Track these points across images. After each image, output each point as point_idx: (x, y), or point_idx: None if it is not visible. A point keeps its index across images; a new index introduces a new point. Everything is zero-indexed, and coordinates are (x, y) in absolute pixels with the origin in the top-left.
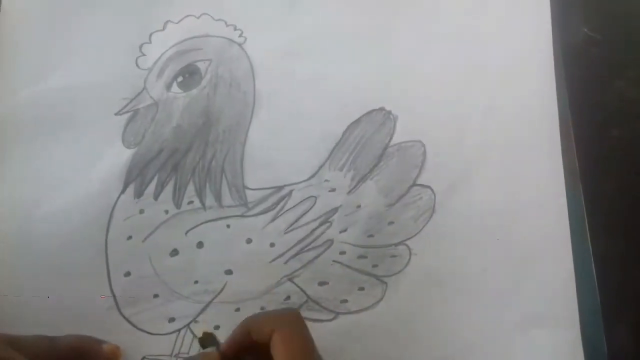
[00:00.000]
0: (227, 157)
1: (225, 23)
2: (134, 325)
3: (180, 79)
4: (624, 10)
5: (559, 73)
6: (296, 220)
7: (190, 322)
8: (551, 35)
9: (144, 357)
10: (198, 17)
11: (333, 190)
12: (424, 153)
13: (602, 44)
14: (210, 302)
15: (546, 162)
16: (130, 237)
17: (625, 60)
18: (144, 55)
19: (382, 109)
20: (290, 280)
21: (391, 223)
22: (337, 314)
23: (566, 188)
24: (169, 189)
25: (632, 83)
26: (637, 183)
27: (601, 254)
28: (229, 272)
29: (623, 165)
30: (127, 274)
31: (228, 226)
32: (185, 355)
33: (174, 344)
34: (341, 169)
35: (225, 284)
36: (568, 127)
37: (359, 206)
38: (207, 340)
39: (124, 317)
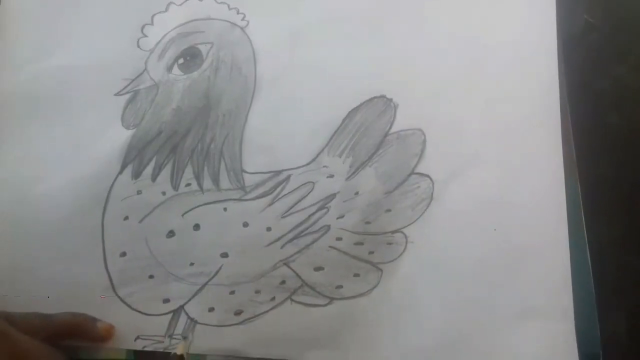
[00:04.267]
0: (226, 140)
1: (228, 6)
2: (128, 306)
3: (181, 61)
4: None
5: (559, 60)
6: (293, 205)
7: (185, 304)
8: (555, 25)
9: (138, 337)
10: (201, 0)
11: (331, 176)
12: (424, 142)
13: (602, 30)
14: (205, 284)
15: (546, 153)
16: (127, 218)
17: (626, 46)
18: (145, 36)
19: (383, 96)
20: (286, 264)
21: (388, 211)
22: (332, 299)
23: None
24: (167, 170)
25: (633, 69)
26: (634, 170)
27: (596, 242)
28: (224, 255)
29: (620, 153)
30: (123, 254)
31: (225, 209)
32: (178, 336)
33: (168, 325)
34: (340, 155)
35: (220, 267)
36: (566, 114)
37: (357, 193)
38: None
39: (118, 297)
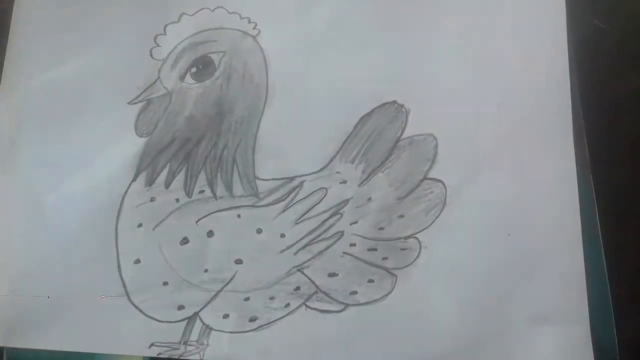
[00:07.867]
0: (239, 147)
1: (240, 15)
2: (143, 313)
3: (194, 69)
4: (635, 1)
5: (570, 65)
6: (307, 212)
7: (200, 310)
8: (566, 29)
9: (152, 344)
10: (213, 10)
11: (344, 182)
12: (436, 147)
13: (612, 36)
14: (219, 290)
15: (558, 157)
16: (140, 225)
17: (637, 51)
18: (158, 46)
19: (394, 102)
20: (300, 270)
21: (402, 216)
22: (347, 305)
23: (577, 180)
24: (180, 177)
25: None
26: None
27: (612, 247)
28: (239, 261)
29: (634, 157)
30: (137, 261)
31: (239, 216)
32: (193, 343)
33: (183, 332)
34: (352, 161)
35: (235, 273)
36: (579, 119)
37: (369, 199)
38: None
39: (133, 304)
